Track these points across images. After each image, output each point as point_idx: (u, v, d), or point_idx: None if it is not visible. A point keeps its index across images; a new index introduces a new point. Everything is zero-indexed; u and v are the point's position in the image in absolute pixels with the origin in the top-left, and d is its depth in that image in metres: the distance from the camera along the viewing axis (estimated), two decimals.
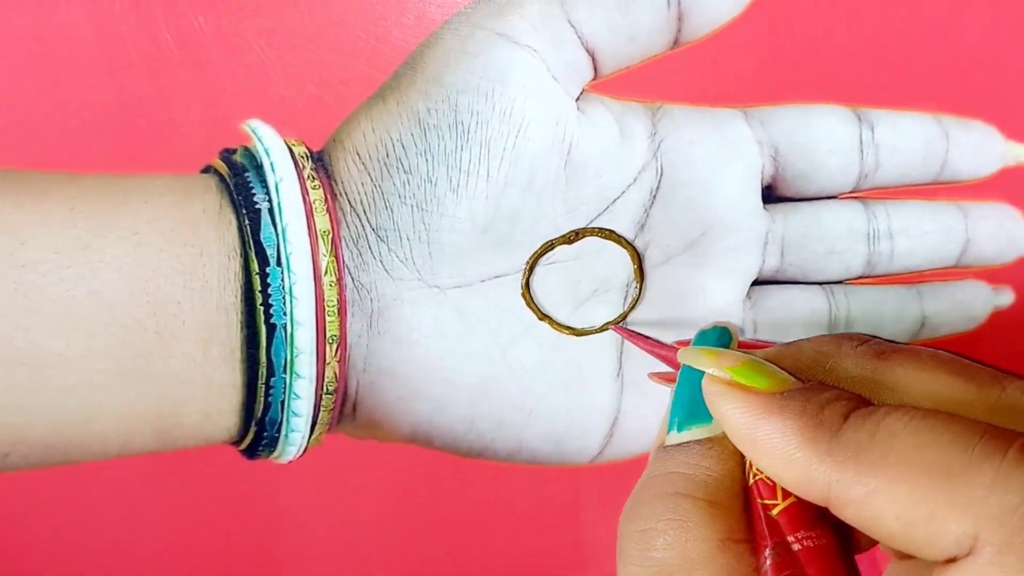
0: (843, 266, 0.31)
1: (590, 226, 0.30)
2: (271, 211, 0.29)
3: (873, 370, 0.22)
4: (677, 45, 0.29)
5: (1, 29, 0.28)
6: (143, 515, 0.33)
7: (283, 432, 0.30)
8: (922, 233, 0.31)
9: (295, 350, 0.29)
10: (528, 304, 0.30)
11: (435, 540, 0.34)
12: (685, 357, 0.24)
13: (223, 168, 0.30)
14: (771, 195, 0.31)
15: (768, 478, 0.22)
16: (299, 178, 0.29)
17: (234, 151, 0.30)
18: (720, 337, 0.26)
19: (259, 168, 0.29)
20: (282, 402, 0.30)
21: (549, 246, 0.30)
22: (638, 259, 0.30)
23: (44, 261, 0.28)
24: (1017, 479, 0.18)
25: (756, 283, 0.31)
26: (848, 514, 0.20)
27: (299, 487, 0.33)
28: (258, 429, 0.30)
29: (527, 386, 0.31)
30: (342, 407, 0.31)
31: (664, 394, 0.31)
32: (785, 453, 0.21)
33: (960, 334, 0.32)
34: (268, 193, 0.29)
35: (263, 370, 0.29)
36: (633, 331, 0.30)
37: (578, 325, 0.31)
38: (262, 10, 0.29)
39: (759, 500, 0.22)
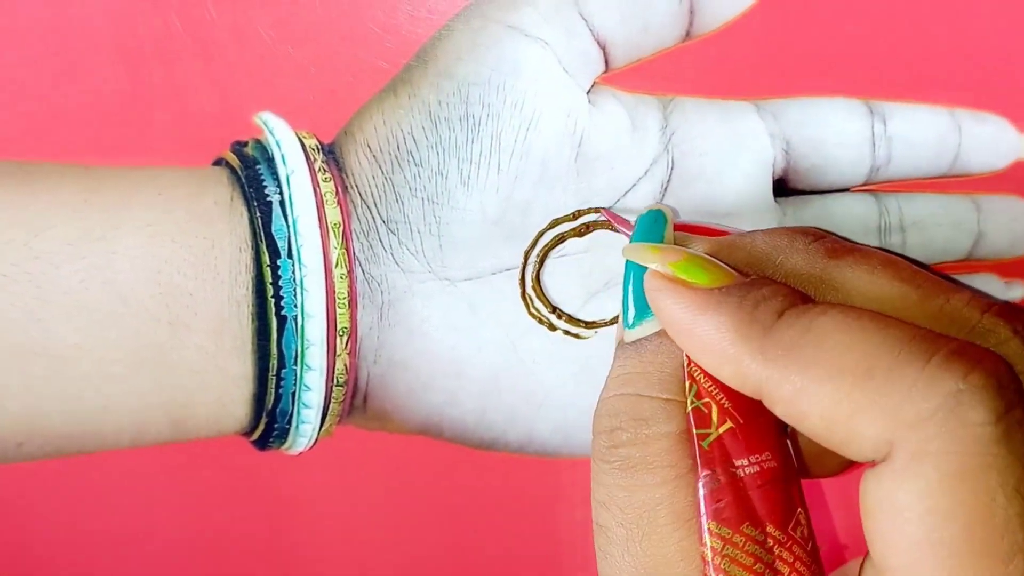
0: None
1: (602, 218, 0.30)
2: (282, 203, 0.29)
3: (822, 268, 0.22)
4: (689, 37, 0.29)
5: (15, 21, 0.29)
6: (154, 506, 0.34)
7: (294, 423, 0.30)
8: (934, 226, 0.31)
9: (306, 342, 0.29)
10: (539, 297, 0.30)
11: (445, 531, 0.34)
12: (629, 253, 0.24)
13: (235, 161, 0.30)
14: (783, 188, 0.31)
15: (704, 406, 0.22)
16: (310, 171, 0.29)
17: (246, 143, 0.30)
18: (655, 220, 0.26)
19: (270, 161, 0.30)
20: (293, 393, 0.30)
21: (560, 239, 0.30)
22: None
23: (58, 252, 0.28)
24: (937, 385, 0.18)
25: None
26: (778, 411, 0.20)
27: (310, 478, 0.33)
28: (269, 420, 0.30)
29: (538, 378, 0.31)
30: (353, 399, 0.31)
31: None
32: (720, 349, 0.21)
33: None
34: (279, 185, 0.29)
35: (274, 362, 0.29)
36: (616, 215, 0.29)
37: (588, 318, 0.31)
38: (274, 2, 0.29)
39: (693, 430, 0.22)
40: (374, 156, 0.29)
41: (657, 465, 0.22)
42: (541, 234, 0.30)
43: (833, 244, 0.23)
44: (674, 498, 0.22)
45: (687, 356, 0.23)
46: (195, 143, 0.30)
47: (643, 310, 0.24)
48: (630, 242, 0.25)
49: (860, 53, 0.29)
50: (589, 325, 0.30)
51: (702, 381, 0.22)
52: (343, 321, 0.29)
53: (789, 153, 0.30)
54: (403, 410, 0.31)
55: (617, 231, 0.29)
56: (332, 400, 0.30)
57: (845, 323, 0.20)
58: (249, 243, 0.29)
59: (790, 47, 0.29)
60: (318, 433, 0.31)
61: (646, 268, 0.23)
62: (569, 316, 0.30)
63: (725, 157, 0.30)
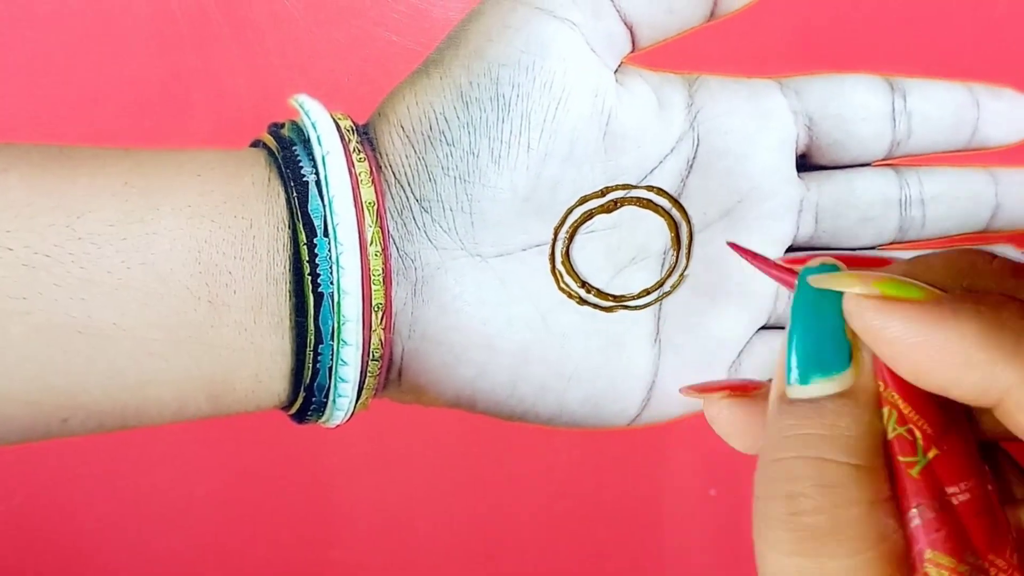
0: (876, 232, 0.32)
1: (629, 195, 0.31)
2: (318, 183, 0.30)
3: (1015, 288, 0.22)
4: (714, 17, 0.30)
5: (55, 8, 0.29)
6: (194, 479, 0.35)
7: (331, 397, 0.31)
8: (953, 199, 0.32)
9: (342, 318, 0.30)
10: (568, 272, 0.31)
11: (478, 502, 0.35)
12: (820, 281, 0.23)
13: (271, 142, 0.31)
14: (805, 163, 0.32)
15: (907, 432, 0.21)
16: (345, 151, 0.30)
17: (282, 125, 0.31)
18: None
19: (306, 142, 0.30)
20: (330, 368, 0.31)
21: (588, 215, 0.31)
22: (675, 227, 0.31)
23: (99, 234, 0.29)
24: None
25: (790, 250, 0.32)
26: (1021, 418, 0.20)
27: (346, 450, 0.34)
28: (307, 395, 0.31)
29: (567, 351, 0.32)
30: (388, 373, 0.32)
31: (699, 361, 0.32)
32: (965, 357, 0.20)
33: None
34: (315, 166, 0.30)
35: (311, 337, 0.30)
36: (747, 250, 0.27)
37: (617, 292, 0.31)
38: None
39: (899, 458, 0.21)
40: (407, 136, 0.30)
41: (849, 536, 0.21)
42: (570, 211, 0.30)
43: (1012, 263, 0.23)
44: (868, 569, 0.21)
45: (885, 381, 0.22)
46: (232, 125, 0.30)
47: (815, 365, 0.22)
48: (794, 296, 0.23)
49: (880, 30, 0.30)
50: (617, 299, 0.31)
51: (903, 407, 0.21)
52: (378, 297, 0.30)
53: (812, 129, 0.31)
54: (436, 383, 0.32)
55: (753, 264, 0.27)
56: (368, 374, 0.31)
57: None
58: (286, 222, 0.30)
59: (811, 26, 0.30)
60: (354, 406, 0.32)
61: (819, 317, 0.22)
62: (598, 290, 0.31)
63: (749, 134, 0.31)
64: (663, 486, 0.34)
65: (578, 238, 0.31)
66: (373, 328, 0.30)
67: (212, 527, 0.35)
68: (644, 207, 0.31)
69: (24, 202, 0.28)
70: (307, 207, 0.30)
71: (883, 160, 0.32)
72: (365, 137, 0.31)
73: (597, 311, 0.31)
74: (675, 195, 0.31)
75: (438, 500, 0.35)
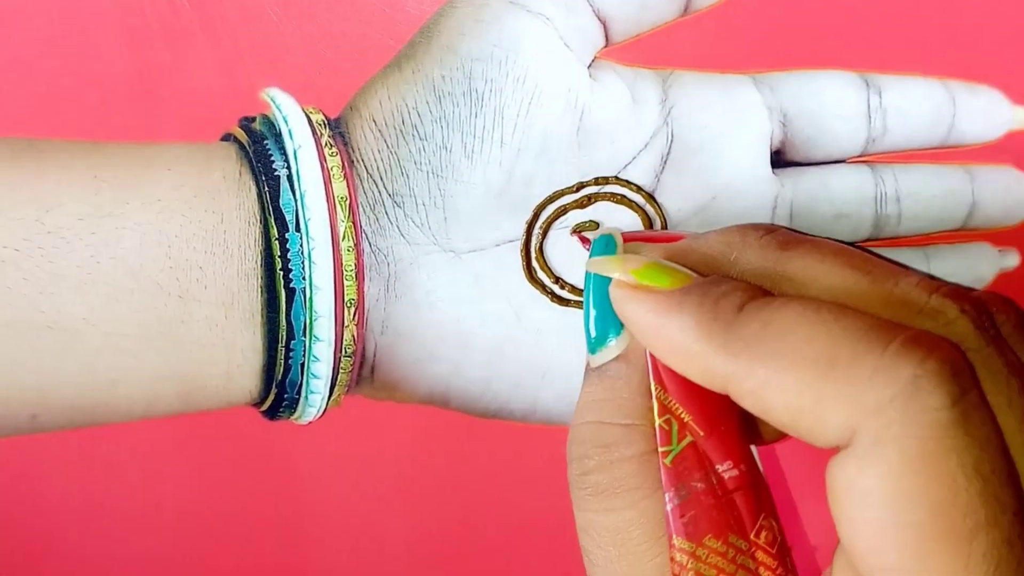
0: (851, 229, 0.32)
1: (603, 190, 0.30)
2: (290, 178, 0.30)
3: (775, 261, 0.23)
4: (688, 12, 0.30)
5: (22, 2, 0.29)
6: (165, 477, 0.34)
7: (303, 394, 0.31)
8: (929, 196, 0.31)
9: (314, 314, 0.30)
10: (542, 268, 0.31)
11: (452, 500, 0.35)
12: (591, 266, 0.25)
13: (243, 136, 0.30)
14: (780, 160, 0.31)
15: (664, 423, 0.23)
16: (317, 145, 0.30)
17: (253, 119, 0.31)
18: (607, 244, 0.26)
19: (278, 136, 0.30)
20: (302, 364, 0.30)
21: (562, 211, 0.30)
22: (649, 223, 0.31)
23: (68, 228, 0.29)
24: (895, 372, 0.19)
25: None
26: (746, 404, 0.21)
27: (318, 447, 0.34)
28: (278, 391, 0.31)
29: (541, 347, 0.31)
30: (360, 369, 0.31)
31: None
32: (684, 348, 0.22)
33: None
34: (287, 160, 0.30)
35: (283, 333, 0.30)
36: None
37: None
38: None
39: (659, 449, 0.23)
40: (379, 130, 0.30)
41: (624, 488, 0.23)
42: (543, 206, 0.30)
43: (784, 236, 0.23)
44: (644, 518, 0.22)
45: (651, 371, 0.23)
46: (203, 120, 0.30)
47: (602, 335, 0.24)
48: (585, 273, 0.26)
49: (856, 26, 0.30)
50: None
51: (663, 399, 0.23)
52: (350, 293, 0.30)
53: (786, 125, 0.31)
54: (409, 380, 0.32)
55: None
56: (340, 370, 0.31)
57: (805, 315, 0.20)
58: (258, 217, 0.30)
59: (787, 21, 0.30)
60: (327, 403, 0.31)
61: (602, 294, 0.24)
62: (572, 286, 0.31)
63: (724, 130, 0.30)
64: None
65: (552, 234, 0.31)
66: (345, 324, 0.30)
67: (181, 525, 0.35)
68: (618, 203, 0.30)
69: None
70: (279, 202, 0.30)
71: (859, 157, 0.31)
72: (337, 131, 0.30)
73: (571, 307, 0.31)
74: (650, 190, 0.31)
75: (412, 499, 0.35)
